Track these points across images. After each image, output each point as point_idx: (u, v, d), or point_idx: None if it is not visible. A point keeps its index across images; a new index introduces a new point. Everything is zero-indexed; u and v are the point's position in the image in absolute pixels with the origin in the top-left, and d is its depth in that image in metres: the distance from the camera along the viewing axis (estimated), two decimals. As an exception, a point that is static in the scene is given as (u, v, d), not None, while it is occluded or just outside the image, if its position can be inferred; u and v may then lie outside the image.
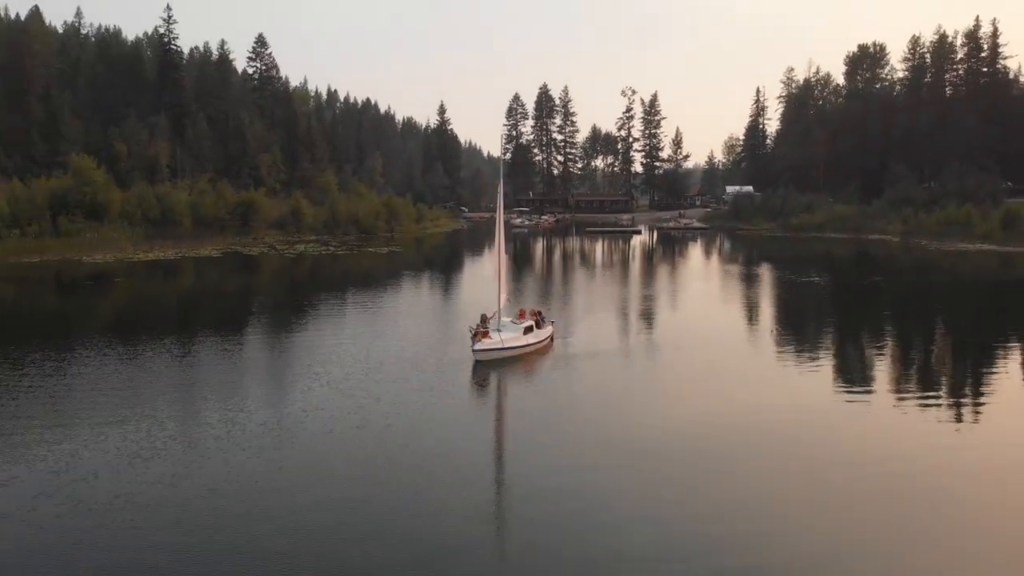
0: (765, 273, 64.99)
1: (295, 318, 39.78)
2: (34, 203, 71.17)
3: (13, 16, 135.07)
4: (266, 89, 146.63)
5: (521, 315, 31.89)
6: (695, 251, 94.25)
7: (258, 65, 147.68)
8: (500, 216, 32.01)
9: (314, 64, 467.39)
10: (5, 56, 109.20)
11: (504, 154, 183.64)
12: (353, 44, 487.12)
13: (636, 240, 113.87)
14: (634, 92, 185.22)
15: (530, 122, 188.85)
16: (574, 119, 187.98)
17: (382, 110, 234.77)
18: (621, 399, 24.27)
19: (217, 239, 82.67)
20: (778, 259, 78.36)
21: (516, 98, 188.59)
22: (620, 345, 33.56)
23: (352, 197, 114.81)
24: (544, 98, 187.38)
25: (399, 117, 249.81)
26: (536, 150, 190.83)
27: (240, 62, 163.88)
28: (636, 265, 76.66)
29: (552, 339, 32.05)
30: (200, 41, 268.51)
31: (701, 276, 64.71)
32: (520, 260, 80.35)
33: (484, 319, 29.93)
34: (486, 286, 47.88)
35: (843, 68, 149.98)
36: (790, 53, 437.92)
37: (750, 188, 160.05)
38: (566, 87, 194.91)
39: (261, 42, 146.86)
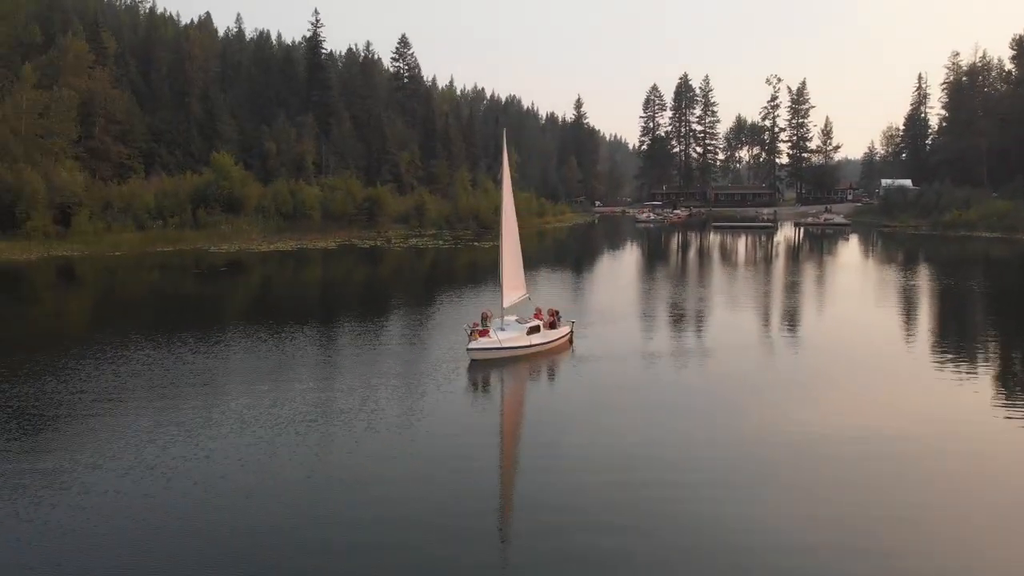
0: (901, 274, 60.18)
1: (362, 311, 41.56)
2: (178, 197, 78.40)
3: (188, 21, 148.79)
4: (408, 88, 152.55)
5: (537, 315, 30.34)
6: (816, 249, 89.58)
7: (401, 65, 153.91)
8: (508, 205, 30.19)
9: (463, 62, 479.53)
10: (171, 59, 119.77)
11: (640, 146, 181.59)
12: (500, 41, 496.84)
13: (765, 236, 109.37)
14: (779, 80, 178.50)
15: (668, 113, 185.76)
16: (714, 109, 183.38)
17: (525, 106, 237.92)
18: (751, 398, 23.78)
19: (343, 232, 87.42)
20: (917, 260, 73.00)
21: (654, 89, 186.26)
22: (754, 343, 32.64)
23: (478, 193, 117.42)
24: (684, 88, 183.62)
25: (543, 113, 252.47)
26: (674, 142, 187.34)
27: (387, 60, 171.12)
28: (741, 264, 73.54)
29: (571, 340, 30.74)
30: (349, 43, 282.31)
31: (817, 278, 60.69)
32: (623, 257, 79.25)
33: (484, 317, 28.91)
34: (575, 281, 48.44)
35: (1010, 52, 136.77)
36: (955, 36, 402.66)
37: (907, 182, 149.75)
38: (707, 76, 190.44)
39: (404, 43, 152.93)
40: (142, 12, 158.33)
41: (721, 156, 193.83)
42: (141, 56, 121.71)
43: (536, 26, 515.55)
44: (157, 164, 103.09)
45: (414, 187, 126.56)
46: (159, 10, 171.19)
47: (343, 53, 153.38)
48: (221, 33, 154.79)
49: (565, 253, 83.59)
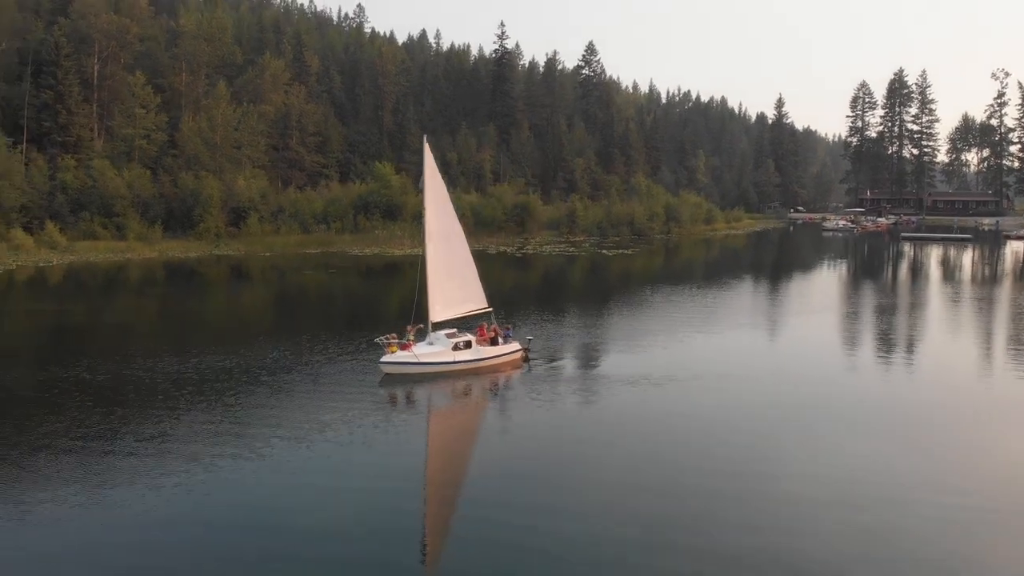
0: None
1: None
2: (342, 204, 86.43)
3: (394, 37, 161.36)
4: (592, 95, 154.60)
5: (481, 331, 29.13)
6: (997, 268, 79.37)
7: (587, 72, 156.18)
8: (435, 214, 28.74)
9: (666, 64, 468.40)
10: (369, 75, 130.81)
11: (847, 149, 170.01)
12: (700, 41, 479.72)
13: (956, 250, 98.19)
14: (1007, 75, 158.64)
15: (879, 112, 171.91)
16: (932, 107, 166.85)
17: (731, 106, 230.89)
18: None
19: (492, 238, 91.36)
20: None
21: (863, 86, 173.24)
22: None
23: (643, 199, 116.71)
24: (898, 84, 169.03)
25: (752, 113, 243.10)
26: (886, 143, 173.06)
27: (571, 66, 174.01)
28: (871, 283, 66.36)
29: (525, 359, 29.14)
30: (543, 51, 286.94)
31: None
32: (740, 269, 74.41)
33: (407, 331, 27.73)
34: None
35: None
36: None
37: None
38: (924, 71, 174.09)
39: (591, 49, 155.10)
40: (349, 29, 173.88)
41: (944, 158, 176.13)
42: (347, 72, 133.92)
43: (740, 23, 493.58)
44: (352, 173, 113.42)
45: (588, 193, 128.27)
46: (371, 28, 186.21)
47: (529, 63, 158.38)
48: (421, 49, 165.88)
49: (693, 265, 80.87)
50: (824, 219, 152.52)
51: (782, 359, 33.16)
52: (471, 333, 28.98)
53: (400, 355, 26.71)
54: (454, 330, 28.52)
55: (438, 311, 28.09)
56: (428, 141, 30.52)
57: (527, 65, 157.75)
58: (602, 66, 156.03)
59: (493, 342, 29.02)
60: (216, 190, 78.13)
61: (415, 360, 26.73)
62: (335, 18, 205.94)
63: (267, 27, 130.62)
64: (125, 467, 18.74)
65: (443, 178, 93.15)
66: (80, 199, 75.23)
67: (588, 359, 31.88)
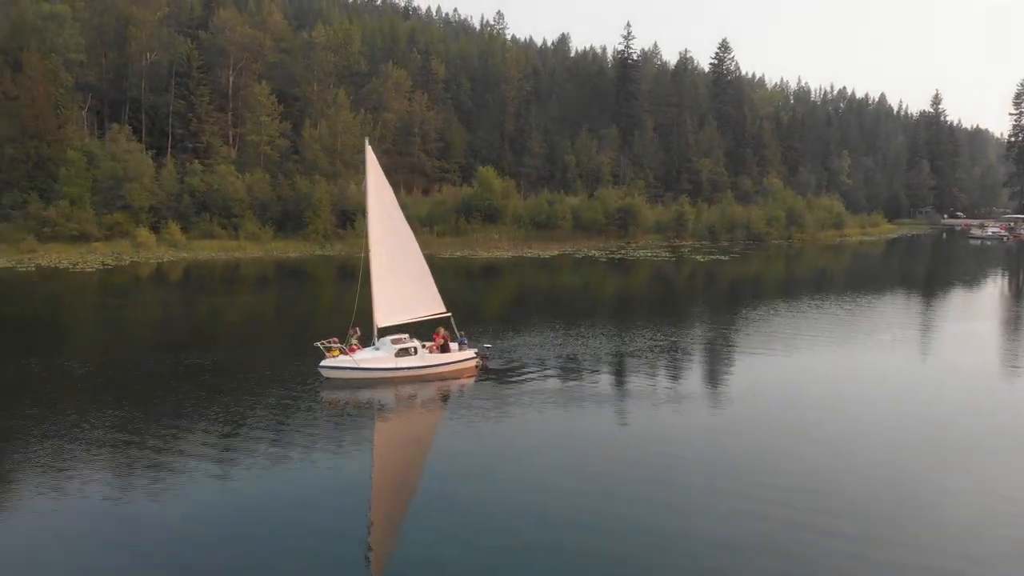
0: None
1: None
2: (445, 207, 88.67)
3: (532, 40, 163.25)
4: (727, 93, 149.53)
5: (437, 337, 28.09)
6: None
7: (721, 69, 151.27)
8: (378, 217, 27.68)
9: (813, 60, 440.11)
10: (493, 81, 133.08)
11: (1009, 149, 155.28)
12: (854, 33, 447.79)
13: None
14: None
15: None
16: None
17: (889, 104, 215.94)
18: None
19: (591, 242, 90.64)
20: None
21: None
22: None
23: (770, 201, 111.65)
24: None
25: (914, 111, 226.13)
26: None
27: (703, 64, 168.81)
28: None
29: (479, 367, 27.90)
30: (670, 52, 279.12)
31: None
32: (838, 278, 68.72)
33: (349, 334, 27.06)
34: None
35: None
36: None
37: None
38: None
39: (724, 47, 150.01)
40: (488, 36, 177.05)
41: None
42: (478, 78, 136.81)
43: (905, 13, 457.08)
44: (473, 177, 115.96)
45: (711, 196, 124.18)
46: (511, 35, 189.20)
47: (659, 62, 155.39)
48: (555, 53, 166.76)
49: (799, 273, 75.67)
50: (982, 225, 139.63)
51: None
52: (425, 340, 28.12)
53: (340, 360, 26.13)
54: (405, 335, 27.56)
55: (383, 316, 27.26)
56: (370, 144, 29.30)
57: (659, 64, 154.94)
58: (736, 63, 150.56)
59: (444, 349, 27.92)
60: (326, 194, 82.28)
61: (354, 365, 26.05)
62: (477, 25, 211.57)
63: (400, 37, 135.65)
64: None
65: (558, 181, 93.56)
66: (205, 201, 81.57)
67: (563, 368, 29.23)
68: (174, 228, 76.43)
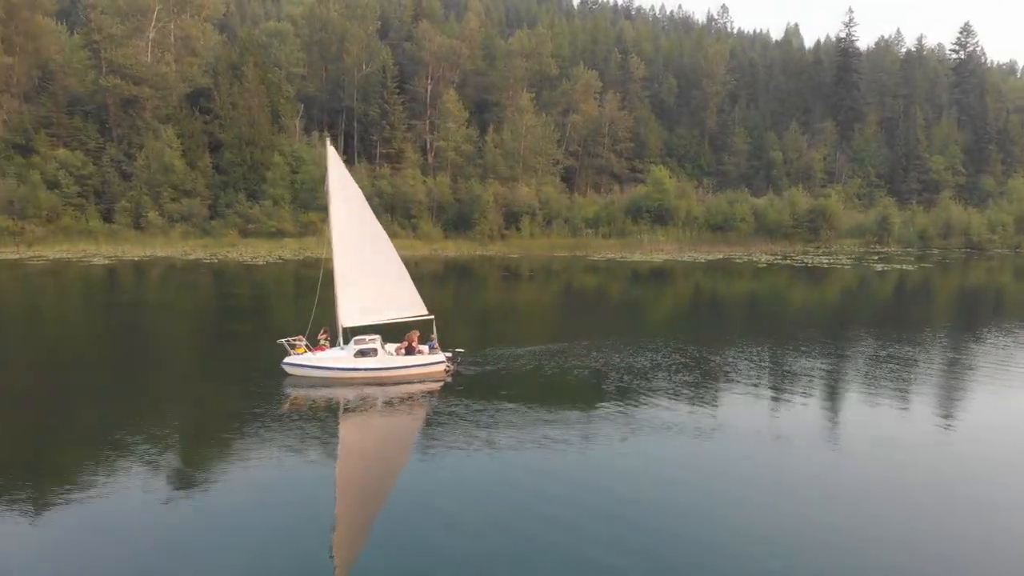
0: None
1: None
2: (614, 208, 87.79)
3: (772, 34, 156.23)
4: (969, 83, 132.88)
5: (410, 339, 27.03)
6: None
7: (960, 56, 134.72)
8: (333, 213, 26.22)
9: None
10: (691, 75, 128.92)
11: None
12: None
13: None
14: None
15: None
16: None
17: None
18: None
19: (775, 245, 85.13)
20: None
21: None
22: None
23: (1005, 204, 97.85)
24: None
25: None
26: None
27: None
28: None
29: (448, 371, 26.56)
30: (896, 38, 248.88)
31: None
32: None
33: (320, 335, 27.00)
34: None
35: None
36: None
37: None
38: None
39: (966, 31, 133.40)
40: (716, 32, 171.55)
41: None
42: (684, 75, 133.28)
43: None
44: (673, 177, 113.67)
45: (947, 195, 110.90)
46: (736, 29, 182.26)
47: (881, 48, 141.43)
48: (777, 45, 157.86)
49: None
50: None
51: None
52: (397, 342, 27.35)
53: (301, 357, 26.04)
54: (374, 336, 26.78)
55: (348, 316, 26.68)
56: (330, 142, 27.52)
57: (885, 50, 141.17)
58: (982, 48, 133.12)
59: (409, 352, 26.93)
60: (493, 195, 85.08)
61: (311, 364, 25.86)
62: (702, 20, 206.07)
63: (602, 38, 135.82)
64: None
65: (764, 181, 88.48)
66: (392, 203, 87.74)
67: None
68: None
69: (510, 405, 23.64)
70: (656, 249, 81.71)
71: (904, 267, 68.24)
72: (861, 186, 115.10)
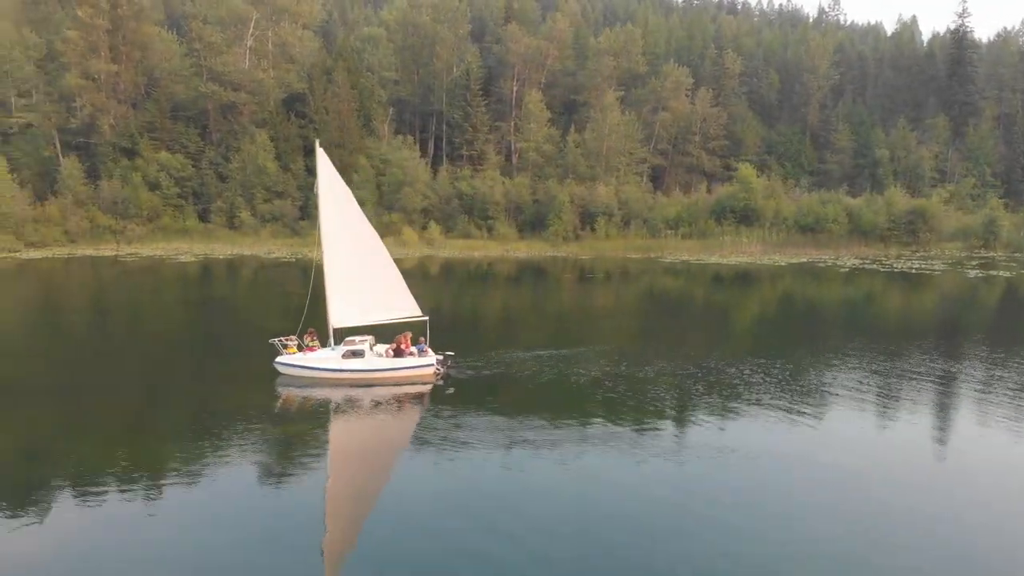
0: None
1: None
2: (697, 208, 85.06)
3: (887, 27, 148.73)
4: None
5: (398, 342, 27.08)
6: None
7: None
8: (323, 214, 26.47)
9: None
10: (792, 70, 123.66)
11: None
12: None
13: None
14: None
15: None
16: None
17: None
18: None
19: (868, 248, 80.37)
20: None
21: None
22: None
23: None
24: None
25: None
26: None
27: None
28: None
29: (437, 374, 26.30)
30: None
31: None
32: None
33: (311, 334, 27.41)
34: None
35: None
36: None
37: None
38: None
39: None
40: (826, 25, 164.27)
41: None
42: (788, 69, 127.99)
43: None
44: (764, 175, 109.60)
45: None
46: (849, 21, 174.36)
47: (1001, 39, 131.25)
48: (891, 38, 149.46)
49: None
50: None
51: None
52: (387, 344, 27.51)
53: (292, 357, 26.49)
54: (367, 337, 27.05)
55: (339, 317, 26.81)
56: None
57: (1003, 45, 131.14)
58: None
59: (398, 354, 26.86)
60: (567, 196, 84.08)
61: (301, 364, 26.33)
62: (814, 13, 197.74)
63: (697, 34, 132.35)
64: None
65: (868, 180, 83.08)
66: (471, 204, 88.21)
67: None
68: (434, 228, 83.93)
69: (544, 412, 23.02)
70: (738, 251, 78.44)
71: (1005, 274, 62.74)
72: (975, 186, 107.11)
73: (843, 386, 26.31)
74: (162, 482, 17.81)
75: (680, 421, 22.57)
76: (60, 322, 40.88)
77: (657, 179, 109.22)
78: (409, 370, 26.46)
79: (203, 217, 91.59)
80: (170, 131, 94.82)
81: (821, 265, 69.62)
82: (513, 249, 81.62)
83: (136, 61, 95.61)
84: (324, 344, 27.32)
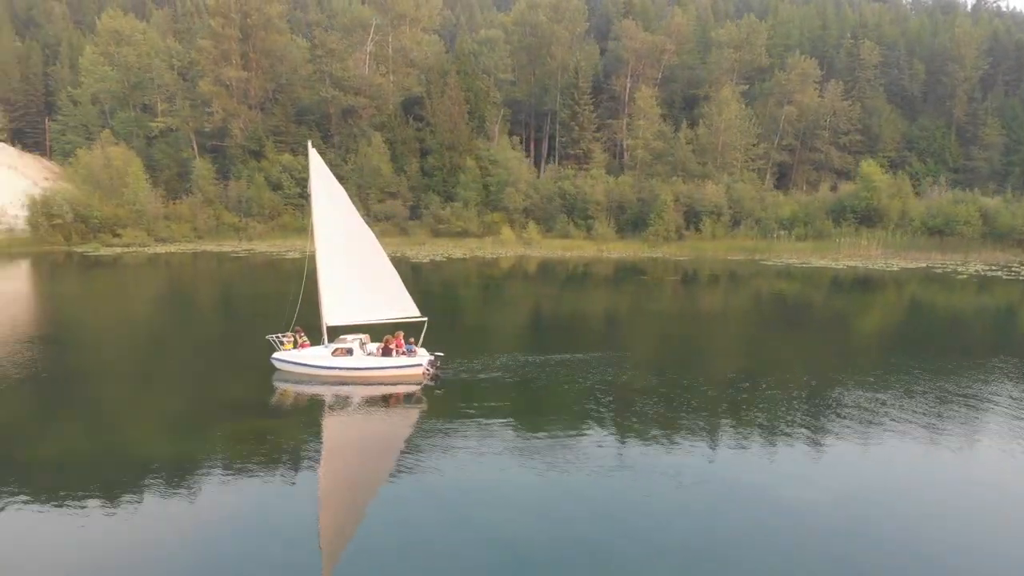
0: None
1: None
2: (814, 208, 79.93)
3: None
4: None
5: (387, 341, 26.94)
6: None
7: None
8: (316, 213, 26.67)
9: None
10: (937, 60, 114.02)
11: None
12: None
13: None
14: None
15: None
16: None
17: None
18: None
19: (1008, 253, 72.73)
20: None
21: None
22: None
23: None
24: None
25: None
26: None
27: None
28: None
29: (429, 375, 26.01)
30: None
31: None
32: None
33: (298, 331, 27.73)
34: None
35: None
36: None
37: None
38: None
39: None
40: (987, 13, 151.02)
41: None
42: (928, 61, 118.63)
43: None
44: (901, 172, 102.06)
45: None
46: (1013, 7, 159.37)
47: None
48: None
49: None
50: None
51: None
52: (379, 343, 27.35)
53: (287, 353, 26.96)
54: (359, 336, 27.15)
55: (332, 316, 27.08)
56: (312, 145, 28.30)
57: None
58: None
59: (386, 353, 26.62)
60: (670, 194, 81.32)
61: (293, 360, 26.78)
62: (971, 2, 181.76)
63: (833, 23, 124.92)
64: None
65: (1017, 178, 74.69)
66: (572, 203, 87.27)
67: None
68: (532, 228, 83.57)
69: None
70: (854, 254, 73.03)
71: None
72: None
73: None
74: (165, 472, 18.26)
75: (827, 450, 20.06)
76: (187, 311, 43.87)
77: (784, 176, 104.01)
78: (396, 370, 26.34)
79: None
80: (294, 134, 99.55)
81: (938, 271, 63.59)
82: (608, 249, 79.88)
83: (265, 68, 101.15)
84: (320, 342, 27.65)
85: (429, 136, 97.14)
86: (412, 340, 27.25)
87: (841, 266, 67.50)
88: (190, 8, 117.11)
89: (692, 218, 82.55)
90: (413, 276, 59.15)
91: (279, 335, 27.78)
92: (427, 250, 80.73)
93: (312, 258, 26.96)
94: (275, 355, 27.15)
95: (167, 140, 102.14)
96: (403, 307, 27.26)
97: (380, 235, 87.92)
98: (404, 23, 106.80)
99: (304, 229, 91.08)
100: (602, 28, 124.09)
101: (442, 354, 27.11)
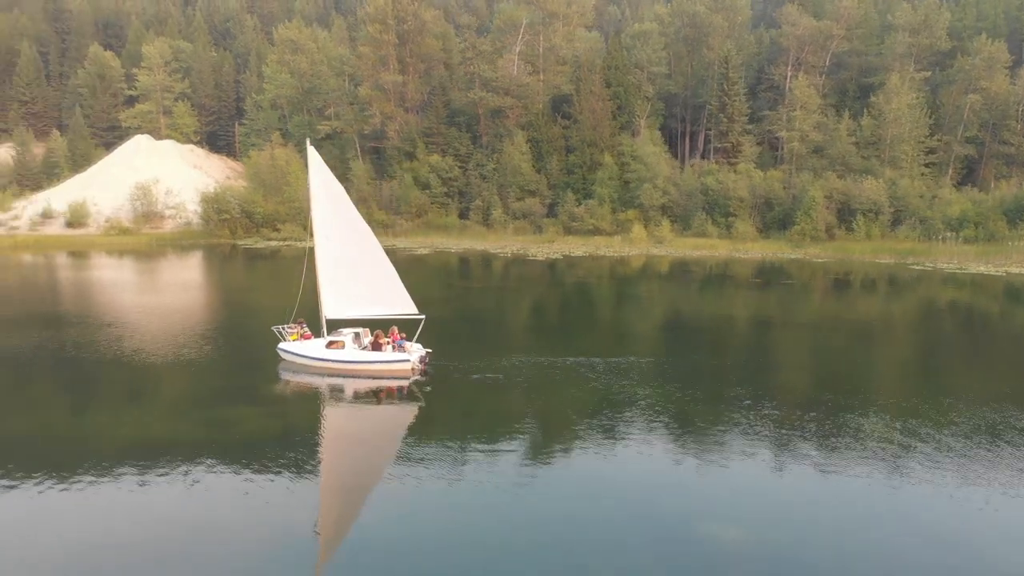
0: None
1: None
2: (986, 207, 70.61)
3: None
4: None
5: (377, 337, 27.40)
6: None
7: None
8: (314, 209, 27.57)
9: None
10: None
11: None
12: None
13: None
14: None
15: None
16: None
17: None
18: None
19: None
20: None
21: None
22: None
23: None
24: None
25: None
26: None
27: None
28: None
29: (418, 370, 26.42)
30: None
31: None
32: None
33: (300, 323, 28.63)
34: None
35: None
36: None
37: None
38: None
39: None
40: None
41: None
42: None
43: None
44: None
45: None
46: None
47: None
48: None
49: None
50: None
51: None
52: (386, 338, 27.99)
53: (291, 344, 28.10)
54: (354, 330, 27.76)
55: (331, 308, 27.79)
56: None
57: None
58: None
59: (376, 348, 27.12)
60: (820, 192, 74.93)
61: (292, 351, 27.90)
62: None
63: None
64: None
65: None
66: (715, 200, 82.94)
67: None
68: (665, 226, 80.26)
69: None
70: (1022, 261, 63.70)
71: None
72: None
73: None
74: (168, 457, 18.86)
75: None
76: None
77: (971, 172, 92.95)
78: (384, 364, 26.95)
79: (463, 214, 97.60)
80: (445, 135, 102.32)
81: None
82: (745, 249, 74.92)
83: (420, 72, 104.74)
84: (319, 334, 28.76)
85: (574, 133, 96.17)
86: (403, 335, 27.74)
87: (998, 273, 59.00)
88: (361, 16, 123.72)
89: (846, 216, 75.66)
90: (484, 271, 58.46)
91: (283, 326, 29.01)
92: (546, 249, 79.71)
93: (312, 253, 27.83)
94: (281, 345, 28.47)
95: (334, 142, 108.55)
96: (401, 305, 27.84)
97: (512, 233, 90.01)
98: (557, 21, 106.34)
99: (445, 227, 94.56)
100: (769, 16, 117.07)
101: (430, 351, 27.48)
